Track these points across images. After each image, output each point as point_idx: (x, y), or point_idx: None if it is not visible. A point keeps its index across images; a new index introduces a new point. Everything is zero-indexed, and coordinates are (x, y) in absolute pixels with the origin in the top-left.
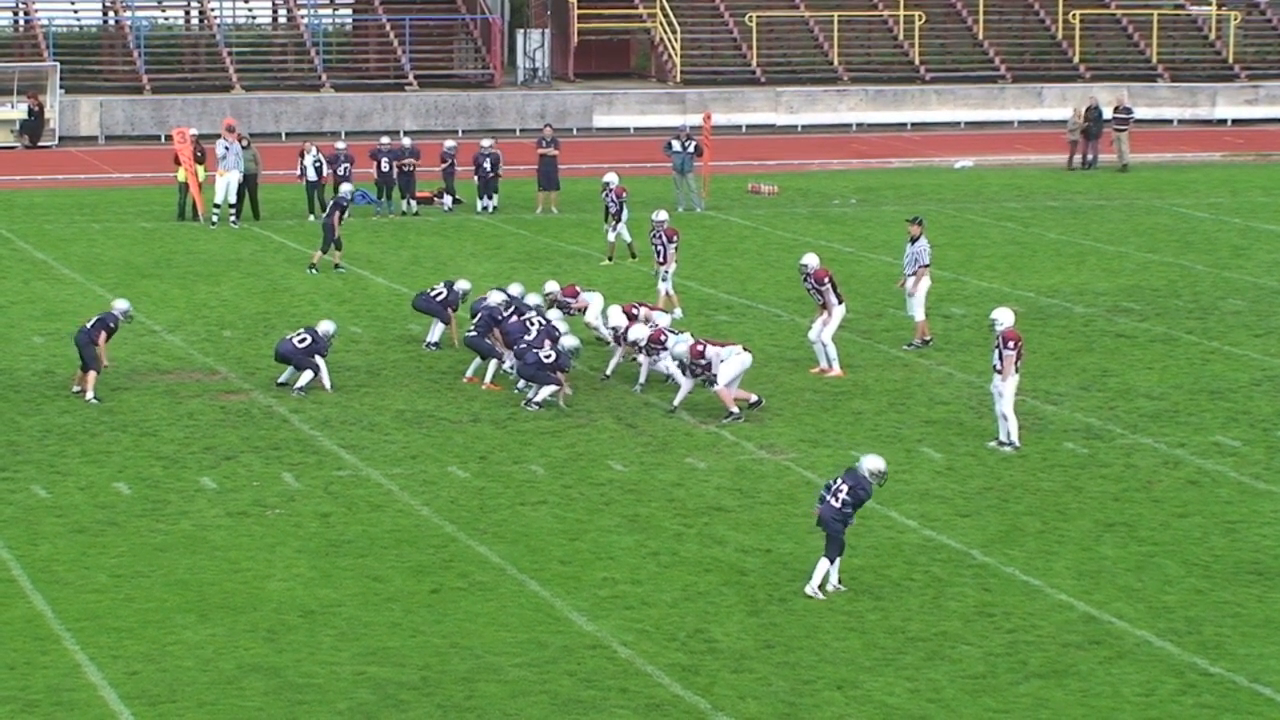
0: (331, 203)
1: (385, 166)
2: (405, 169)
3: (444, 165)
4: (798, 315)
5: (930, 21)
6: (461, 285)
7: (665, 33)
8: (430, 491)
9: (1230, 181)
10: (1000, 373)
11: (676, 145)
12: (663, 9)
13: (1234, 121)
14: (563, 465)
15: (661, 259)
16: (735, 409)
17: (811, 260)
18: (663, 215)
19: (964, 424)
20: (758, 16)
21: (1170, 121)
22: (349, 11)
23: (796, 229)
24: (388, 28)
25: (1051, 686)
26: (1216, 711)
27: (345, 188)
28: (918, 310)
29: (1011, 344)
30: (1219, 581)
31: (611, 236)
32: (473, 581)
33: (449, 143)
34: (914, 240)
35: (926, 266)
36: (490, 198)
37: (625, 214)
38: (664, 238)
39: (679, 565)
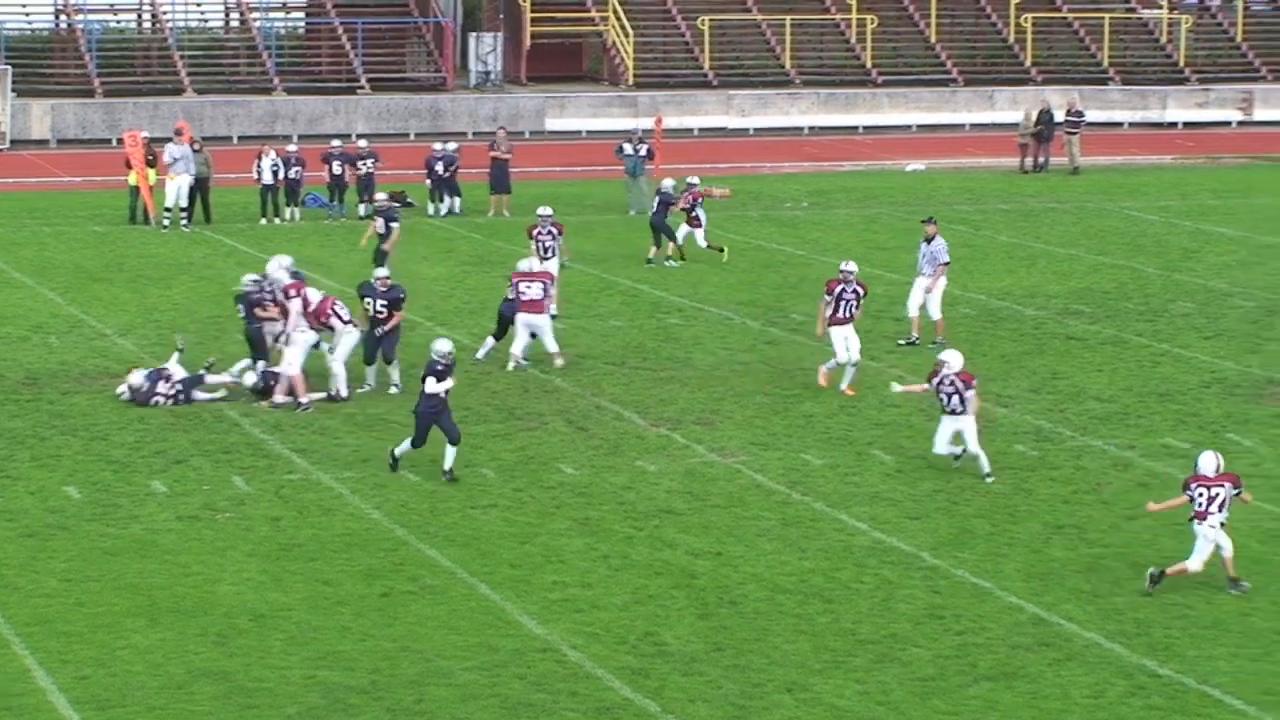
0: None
1: (338, 169)
2: (365, 171)
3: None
4: (749, 319)
5: (882, 25)
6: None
7: (618, 36)
8: (381, 495)
9: (1181, 184)
10: (961, 414)
11: (628, 148)
12: (615, 12)
13: (1185, 124)
14: (513, 469)
15: (548, 254)
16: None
17: (852, 267)
18: (547, 210)
19: (914, 426)
20: (710, 20)
21: (1121, 124)
22: (301, 15)
23: (748, 232)
24: (340, 31)
25: (1001, 688)
26: (1165, 713)
27: (380, 197)
28: (934, 309)
29: (973, 385)
30: (1168, 583)
31: (697, 240)
32: (423, 585)
33: (438, 146)
34: (929, 240)
35: (946, 264)
36: (443, 200)
37: (703, 217)
38: (552, 231)
39: (629, 568)
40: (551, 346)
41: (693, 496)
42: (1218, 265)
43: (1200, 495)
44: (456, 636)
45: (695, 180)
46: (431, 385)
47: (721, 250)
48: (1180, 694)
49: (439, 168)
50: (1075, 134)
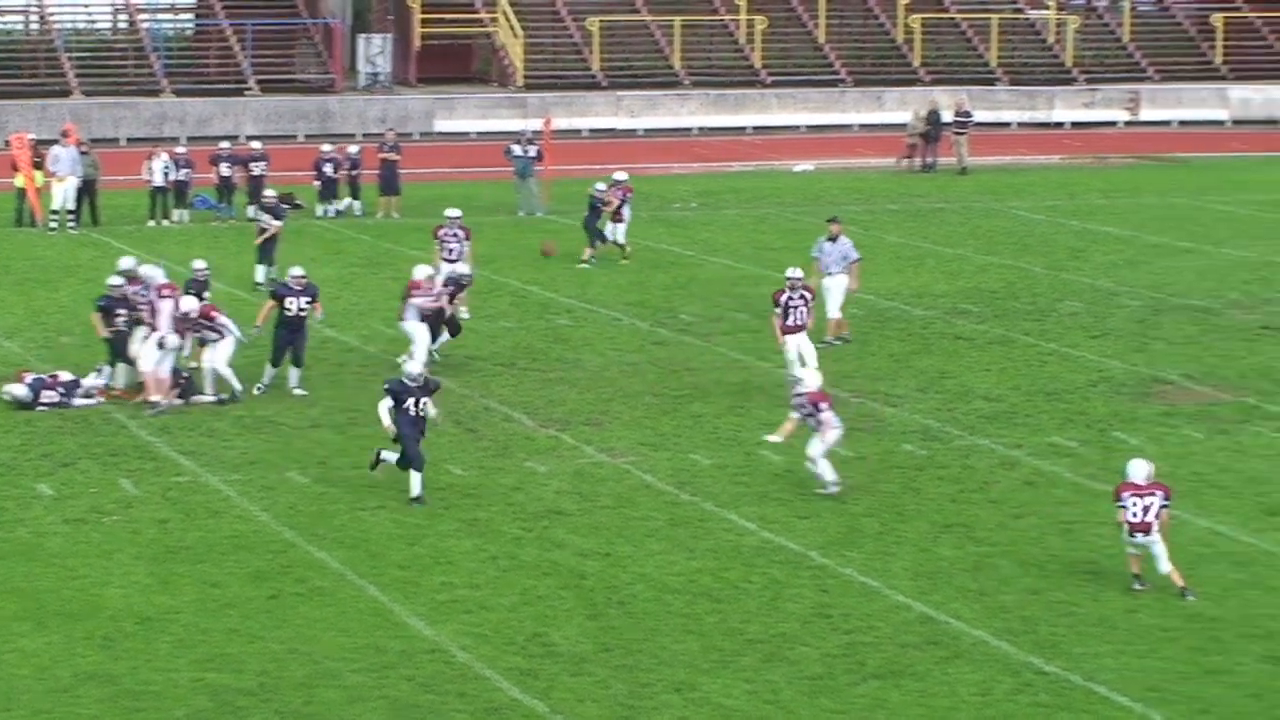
0: None
1: (226, 171)
2: (257, 174)
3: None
4: (637, 319)
5: (771, 26)
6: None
7: (507, 37)
8: (269, 497)
9: (1068, 184)
10: (819, 432)
11: (518, 149)
12: (504, 14)
13: (1072, 124)
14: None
15: (452, 255)
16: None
17: (798, 273)
18: (456, 212)
19: (805, 426)
20: (599, 21)
21: (1009, 124)
22: (190, 16)
23: (637, 232)
24: (229, 33)
25: (889, 687)
26: (1052, 710)
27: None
28: (834, 307)
29: (825, 405)
30: (1054, 581)
31: (616, 237)
32: (311, 587)
33: (354, 149)
34: (834, 239)
35: (858, 261)
36: (330, 202)
37: (627, 214)
38: (458, 234)
39: (518, 569)
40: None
41: (581, 497)
42: (1105, 265)
43: (1135, 504)
44: (345, 638)
45: (623, 176)
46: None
47: (624, 252)
48: (1066, 691)
49: (328, 169)
50: (963, 134)
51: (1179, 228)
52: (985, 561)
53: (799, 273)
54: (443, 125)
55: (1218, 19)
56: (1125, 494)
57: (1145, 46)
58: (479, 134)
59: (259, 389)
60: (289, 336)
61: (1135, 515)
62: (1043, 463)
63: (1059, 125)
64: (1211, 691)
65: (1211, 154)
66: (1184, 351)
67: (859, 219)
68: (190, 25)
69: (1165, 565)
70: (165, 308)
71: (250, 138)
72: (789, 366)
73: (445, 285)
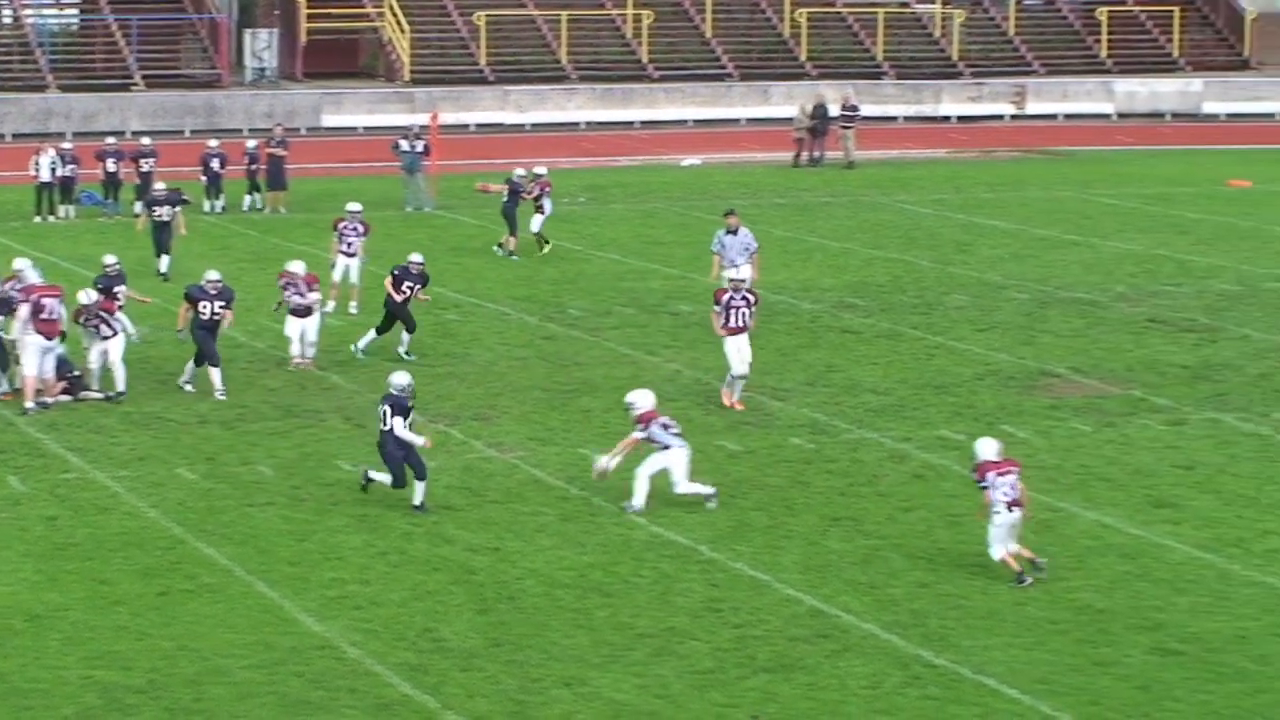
0: None
1: (112, 167)
2: (146, 170)
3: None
4: (525, 314)
5: (658, 20)
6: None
7: (394, 32)
8: (158, 494)
9: (954, 178)
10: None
11: (405, 144)
12: (391, 9)
13: (958, 118)
14: (291, 466)
15: (351, 249)
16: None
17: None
18: (357, 206)
19: (692, 420)
20: (486, 15)
21: (895, 119)
22: (75, 11)
23: (525, 226)
24: (114, 28)
25: (779, 680)
26: (941, 703)
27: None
28: None
29: (659, 424)
30: (943, 574)
31: (535, 227)
32: (200, 584)
33: (252, 143)
34: (733, 231)
35: (758, 251)
36: (218, 197)
37: (548, 206)
38: (358, 228)
39: (407, 564)
40: (310, 352)
41: (471, 492)
42: (991, 258)
43: (1003, 482)
44: (234, 635)
45: (542, 170)
46: (399, 427)
47: (547, 243)
48: (956, 683)
49: (215, 164)
50: (850, 128)
51: (1065, 221)
52: (874, 555)
53: (743, 274)
54: (330, 120)
55: (1102, 13)
56: (990, 474)
57: (1031, 40)
58: (366, 129)
59: (188, 387)
60: (206, 337)
61: (1008, 493)
62: (931, 456)
63: (945, 119)
64: (1100, 683)
65: (1097, 147)
66: (1071, 344)
67: (747, 213)
68: (75, 20)
69: (1014, 544)
70: (22, 311)
71: (137, 133)
72: (731, 367)
73: (403, 284)
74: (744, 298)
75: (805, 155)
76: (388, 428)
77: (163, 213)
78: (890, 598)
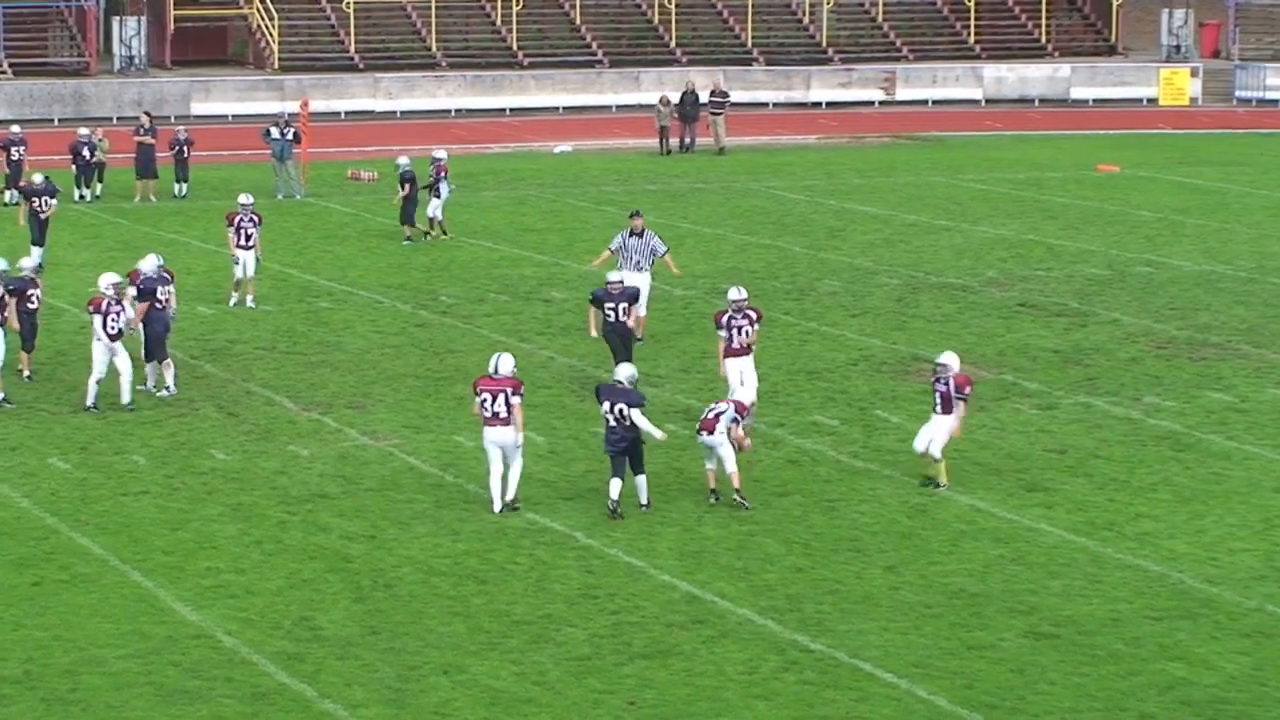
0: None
1: None
2: (16, 158)
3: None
4: (398, 301)
5: (527, 7)
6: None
7: (262, 19)
8: (30, 483)
9: (825, 164)
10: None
11: (275, 132)
12: None
13: (828, 104)
14: (164, 455)
15: (249, 242)
16: None
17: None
18: (249, 198)
19: (566, 407)
20: (355, 3)
21: (766, 105)
22: None
23: (394, 215)
24: None
25: (656, 666)
26: (818, 688)
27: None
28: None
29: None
30: (819, 559)
31: (434, 212)
32: (75, 574)
33: (183, 132)
34: (638, 233)
35: (668, 252)
36: (87, 185)
37: (444, 190)
38: (254, 219)
39: (283, 553)
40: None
41: (346, 480)
42: (863, 244)
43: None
44: (110, 624)
45: (441, 155)
46: (638, 417)
47: (443, 232)
48: (833, 668)
49: (85, 153)
50: (720, 114)
51: (935, 206)
52: (749, 540)
53: (742, 294)
54: (199, 108)
55: None
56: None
57: (900, 26)
58: (236, 117)
59: (147, 387)
60: (154, 331)
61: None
62: (805, 441)
63: (816, 105)
64: (975, 666)
65: (966, 133)
66: (942, 329)
67: (618, 200)
68: None
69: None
70: None
71: (5, 121)
72: (730, 391)
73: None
74: (746, 316)
75: (674, 142)
76: (626, 423)
77: (41, 204)
78: (765, 583)
